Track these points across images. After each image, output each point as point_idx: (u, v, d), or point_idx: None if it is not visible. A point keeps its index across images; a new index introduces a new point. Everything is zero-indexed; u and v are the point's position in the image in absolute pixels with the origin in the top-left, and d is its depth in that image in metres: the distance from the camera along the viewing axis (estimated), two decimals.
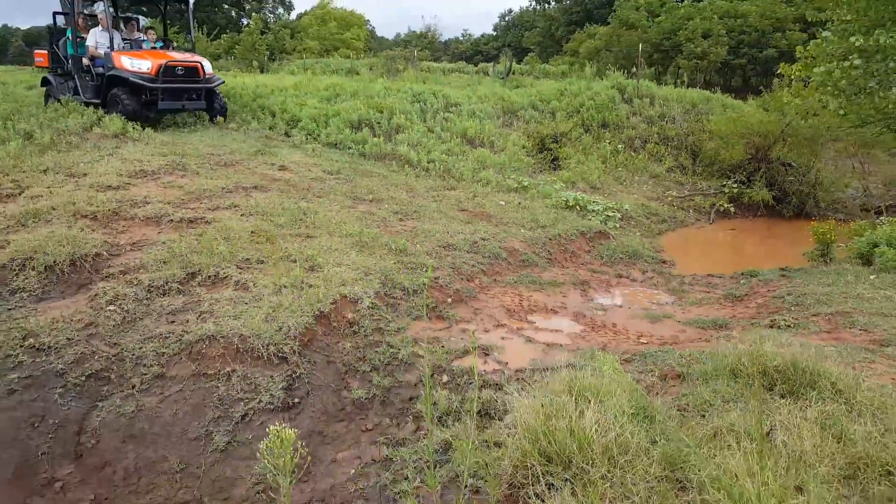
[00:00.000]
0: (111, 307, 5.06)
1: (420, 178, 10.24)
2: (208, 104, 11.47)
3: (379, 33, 55.42)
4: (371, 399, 4.83)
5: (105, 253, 5.84)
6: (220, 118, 11.59)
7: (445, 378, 5.01)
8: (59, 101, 11.15)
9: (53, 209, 6.54)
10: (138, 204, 6.98)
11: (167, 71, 10.55)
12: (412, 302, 6.03)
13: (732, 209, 12.68)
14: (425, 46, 41.46)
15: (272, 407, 4.43)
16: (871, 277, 6.79)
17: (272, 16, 44.51)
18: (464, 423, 4.20)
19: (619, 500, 2.90)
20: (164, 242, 6.15)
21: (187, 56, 11.31)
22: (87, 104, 10.96)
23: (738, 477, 2.79)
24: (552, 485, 3.06)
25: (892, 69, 9.82)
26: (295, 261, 6.12)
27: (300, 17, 45.26)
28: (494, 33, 56.25)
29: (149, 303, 5.20)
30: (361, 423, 4.71)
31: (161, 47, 11.78)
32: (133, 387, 4.38)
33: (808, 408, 3.45)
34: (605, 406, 3.48)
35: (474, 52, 50.53)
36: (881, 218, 9.98)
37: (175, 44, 12.87)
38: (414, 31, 56.61)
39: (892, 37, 9.44)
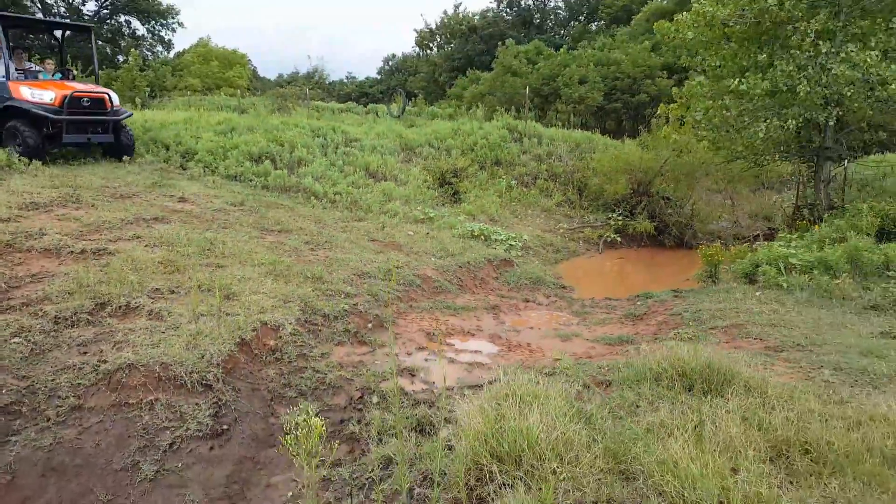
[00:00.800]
0: (16, 339, 4.74)
1: (327, 210, 10.24)
2: (115, 138, 10.83)
3: (262, 73, 54.61)
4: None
5: (3, 285, 5.45)
6: (126, 157, 11.01)
7: (376, 399, 5.02)
8: None
9: None
10: (34, 236, 6.55)
11: (73, 102, 9.92)
12: (333, 328, 6.02)
13: (619, 239, 13.52)
14: (314, 86, 41.47)
15: (200, 434, 4.29)
16: (757, 294, 7.47)
17: (150, 53, 42.96)
18: (402, 438, 4.24)
19: (571, 492, 3.06)
20: (66, 273, 5.83)
21: (93, 87, 10.74)
22: None
23: (679, 462, 3.04)
24: (506, 483, 3.18)
25: (759, 108, 10.98)
26: (209, 290, 5.95)
27: (180, 55, 44.03)
28: (379, 77, 56.98)
29: (57, 335, 4.92)
30: (289, 449, 4.63)
31: (60, 79, 11.08)
32: (48, 420, 4.10)
33: (729, 402, 3.80)
34: (546, 409, 3.65)
35: (360, 94, 50.90)
36: (756, 244, 10.98)
37: (74, 73, 12.08)
38: (297, 72, 56.21)
39: (757, 81, 10.58)
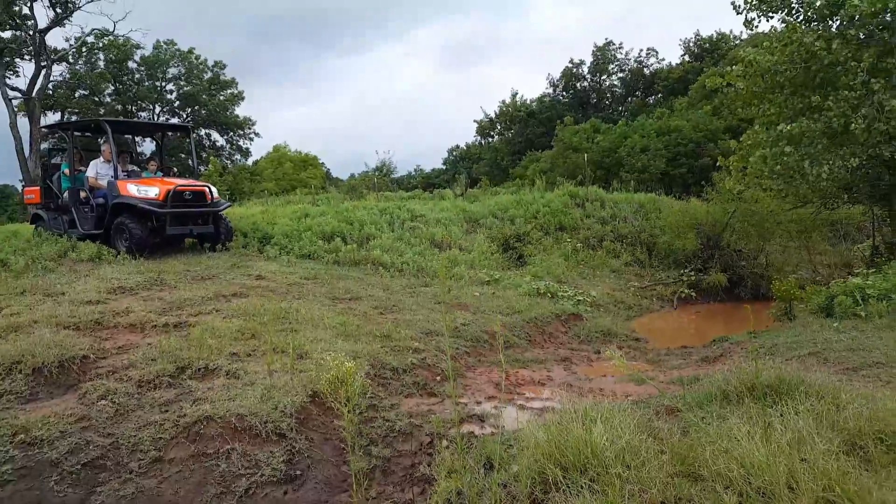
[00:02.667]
0: (102, 402, 5.03)
1: (395, 278, 10.53)
2: (214, 229, 11.35)
3: (334, 174, 57.15)
4: (372, 469, 4.81)
5: (92, 356, 5.85)
6: (226, 243, 11.50)
7: (445, 443, 5.02)
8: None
9: (35, 322, 6.55)
10: (120, 314, 7.02)
11: (176, 196, 10.47)
12: (402, 381, 6.11)
13: (694, 295, 13.19)
14: (382, 177, 43.14)
15: (275, 479, 4.40)
16: (835, 325, 7.16)
17: (230, 161, 45.98)
18: (471, 472, 4.22)
19: (637, 494, 2.99)
20: (150, 344, 6.20)
21: (193, 182, 11.42)
22: (85, 237, 10.81)
23: (746, 451, 2.94)
24: (570, 490, 3.13)
25: (820, 150, 10.75)
26: (283, 351, 6.18)
27: (256, 162, 46.86)
28: (444, 167, 58.60)
29: (140, 396, 5.18)
30: (365, 492, 4.66)
31: (161, 176, 11.83)
32: (131, 472, 4.32)
33: (800, 406, 3.65)
34: (611, 423, 3.60)
35: (427, 185, 52.31)
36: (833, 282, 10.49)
37: (175, 170, 12.97)
38: (367, 171, 58.43)
39: (813, 121, 10.43)
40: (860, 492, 2.62)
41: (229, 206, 12.09)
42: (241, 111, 46.11)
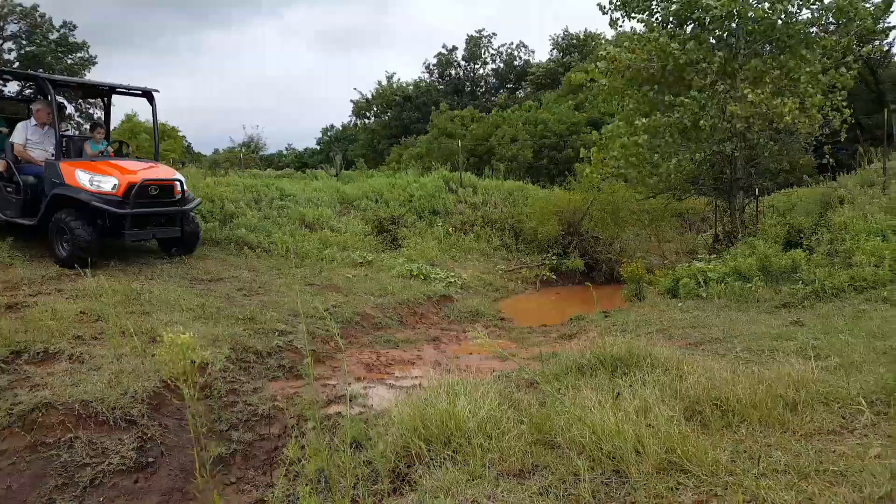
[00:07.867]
0: None
1: (262, 259, 10.16)
2: (180, 231, 8.97)
3: (196, 149, 53.65)
4: (232, 454, 4.67)
5: None
6: (188, 253, 9.39)
7: (312, 424, 4.93)
8: None
9: None
10: None
11: (140, 191, 8.15)
12: (267, 364, 5.92)
13: (554, 277, 13.83)
14: (250, 153, 41.41)
15: (124, 468, 4.15)
16: (679, 305, 7.75)
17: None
18: (336, 450, 4.17)
19: (497, 463, 3.07)
20: None
21: (161, 171, 8.96)
22: (7, 225, 8.51)
23: (597, 420, 3.10)
24: (434, 462, 3.16)
25: (669, 143, 11.57)
26: (133, 334, 5.79)
27: None
28: (318, 147, 57.24)
29: None
30: (224, 478, 4.50)
31: (111, 151, 9.52)
32: None
33: (647, 377, 3.91)
34: (473, 397, 3.67)
35: (300, 165, 50.86)
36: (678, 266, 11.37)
37: (130, 149, 10.17)
38: (233, 146, 55.75)
39: (665, 117, 11.21)
40: (698, 453, 2.84)
41: (199, 202, 9.88)
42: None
